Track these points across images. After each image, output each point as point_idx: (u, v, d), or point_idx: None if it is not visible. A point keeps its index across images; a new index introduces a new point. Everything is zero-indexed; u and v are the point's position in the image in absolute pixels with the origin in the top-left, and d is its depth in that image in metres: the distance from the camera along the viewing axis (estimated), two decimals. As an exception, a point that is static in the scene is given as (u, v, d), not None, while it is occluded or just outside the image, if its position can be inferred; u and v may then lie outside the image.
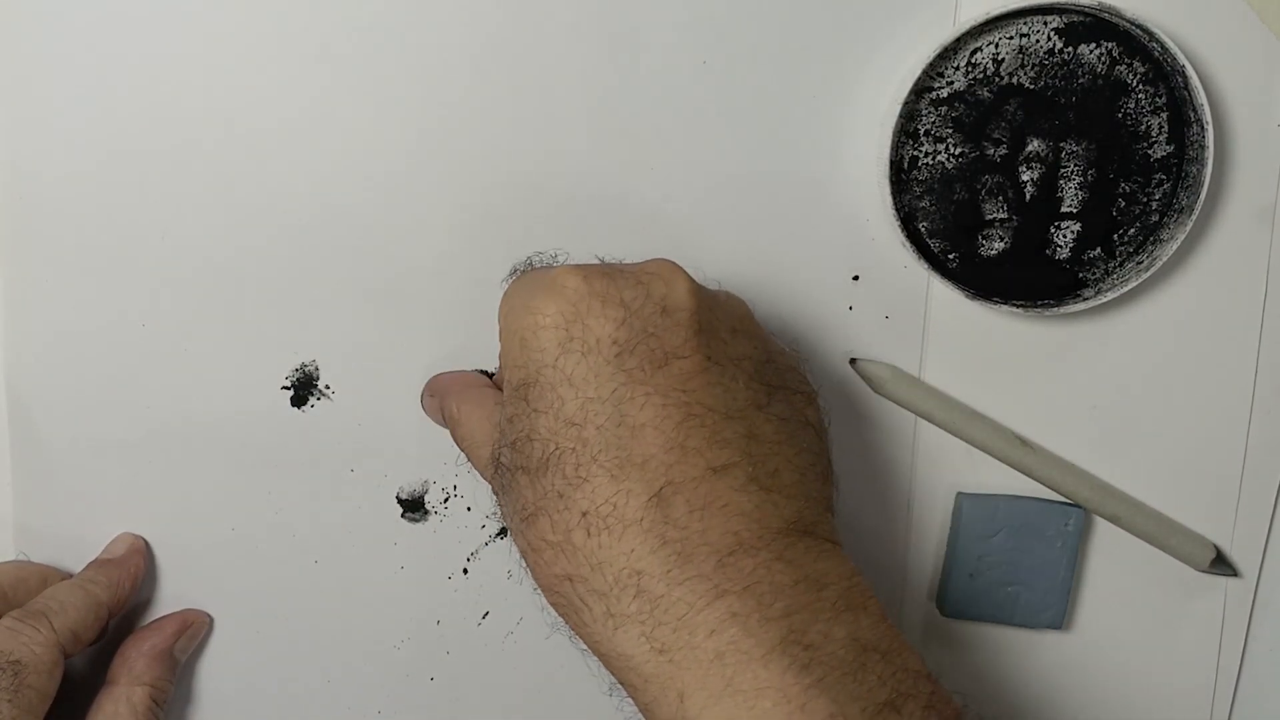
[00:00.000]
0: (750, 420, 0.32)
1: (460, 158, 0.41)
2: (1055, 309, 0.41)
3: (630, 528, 0.30)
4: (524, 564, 0.33)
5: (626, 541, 0.30)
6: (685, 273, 0.34)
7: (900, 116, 0.39)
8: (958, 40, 0.38)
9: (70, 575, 0.42)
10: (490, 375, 0.42)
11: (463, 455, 0.38)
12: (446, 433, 0.42)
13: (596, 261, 0.40)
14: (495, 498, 0.35)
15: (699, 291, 0.34)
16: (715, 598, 0.30)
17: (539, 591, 0.33)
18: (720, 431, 0.32)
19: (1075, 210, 0.40)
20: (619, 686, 0.32)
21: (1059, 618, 0.44)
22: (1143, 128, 0.40)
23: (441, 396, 0.40)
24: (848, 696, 0.29)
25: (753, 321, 0.36)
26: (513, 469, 0.33)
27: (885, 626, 0.31)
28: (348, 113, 0.40)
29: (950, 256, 0.41)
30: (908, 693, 0.30)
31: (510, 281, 0.38)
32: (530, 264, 0.40)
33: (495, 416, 0.36)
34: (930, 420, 0.43)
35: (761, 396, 0.33)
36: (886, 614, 0.32)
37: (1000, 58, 0.39)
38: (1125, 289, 0.40)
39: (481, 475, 0.37)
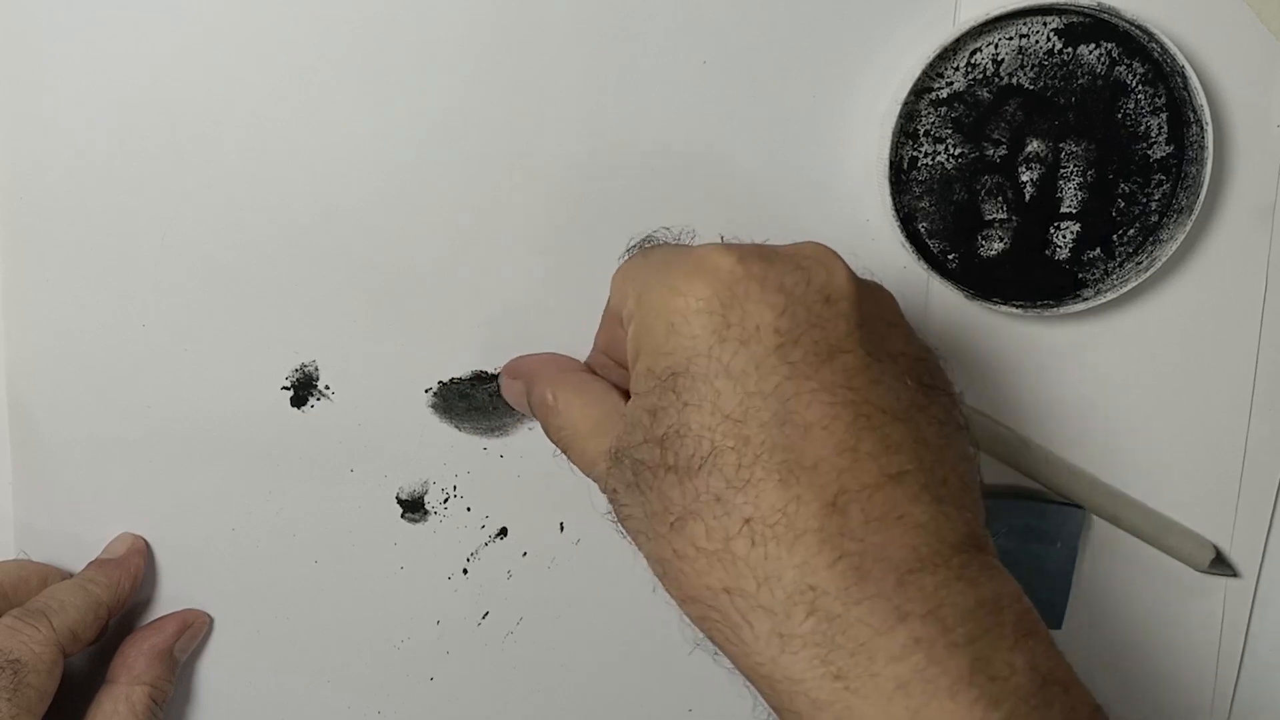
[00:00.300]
0: (916, 423, 0.30)
1: (460, 157, 0.41)
2: (1055, 309, 0.41)
3: (803, 538, 0.28)
4: (659, 573, 0.30)
5: (799, 553, 0.27)
6: (843, 259, 0.31)
7: (900, 117, 0.39)
8: (958, 40, 0.39)
9: (70, 574, 0.42)
10: (496, 377, 0.42)
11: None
12: (447, 432, 0.42)
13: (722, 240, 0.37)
14: (611, 498, 0.32)
15: (856, 279, 0.31)
16: (898, 620, 0.27)
17: (676, 604, 0.30)
18: (891, 435, 0.29)
19: (1075, 210, 0.40)
20: (770, 712, 0.29)
21: (1059, 618, 0.44)
22: (1142, 128, 0.40)
23: (529, 381, 0.37)
24: None
25: (903, 315, 0.33)
26: (658, 468, 0.29)
27: (1058, 654, 0.29)
28: (347, 113, 0.40)
29: (950, 257, 0.41)
30: None
31: (630, 258, 0.34)
32: (652, 240, 0.37)
33: (608, 405, 0.33)
34: (930, 420, 0.43)
35: (921, 397, 0.31)
36: (1053, 638, 0.29)
37: (1000, 58, 0.39)
38: (1125, 289, 0.40)
39: (584, 471, 0.34)
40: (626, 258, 0.36)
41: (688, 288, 0.30)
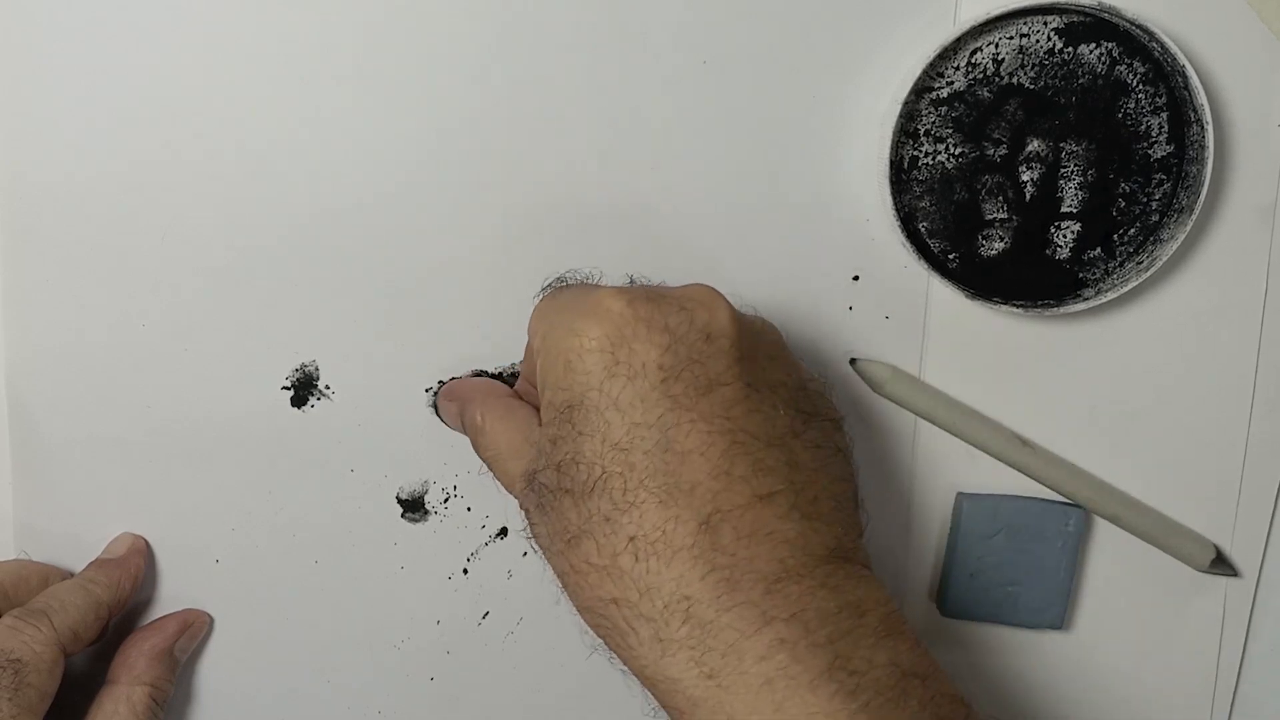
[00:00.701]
0: (790, 448, 0.33)
1: (460, 158, 0.41)
2: (1055, 309, 0.41)
3: (679, 554, 0.31)
4: (561, 585, 0.33)
5: (675, 567, 0.31)
6: (726, 300, 0.34)
7: (900, 116, 0.39)
8: (958, 40, 0.38)
9: (71, 574, 0.42)
10: (498, 376, 0.42)
11: (482, 465, 0.38)
12: (447, 433, 0.42)
13: (629, 281, 0.41)
14: (524, 515, 0.35)
15: (739, 318, 0.34)
16: (764, 624, 0.30)
17: (576, 612, 0.33)
18: (764, 459, 0.32)
19: (1075, 210, 0.40)
20: (660, 710, 0.32)
21: (1059, 618, 0.44)
22: (1143, 128, 0.40)
23: (462, 403, 0.40)
24: None
25: (786, 348, 0.36)
26: (556, 490, 0.33)
27: (921, 651, 0.32)
28: (347, 113, 0.40)
29: (950, 256, 0.41)
30: (947, 716, 0.31)
31: (543, 297, 0.38)
32: (564, 280, 0.40)
33: (526, 431, 0.36)
34: (930, 420, 0.43)
35: (798, 424, 0.34)
36: (920, 639, 0.33)
37: (1000, 58, 0.39)
38: (1125, 289, 0.40)
39: (507, 489, 0.37)
40: (540, 297, 0.39)
41: (583, 328, 0.33)
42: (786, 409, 0.34)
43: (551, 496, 0.33)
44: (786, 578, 0.31)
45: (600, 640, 0.33)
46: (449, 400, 0.41)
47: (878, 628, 0.31)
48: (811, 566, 0.31)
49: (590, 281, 0.40)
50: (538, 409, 0.36)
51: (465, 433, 0.39)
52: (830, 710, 0.29)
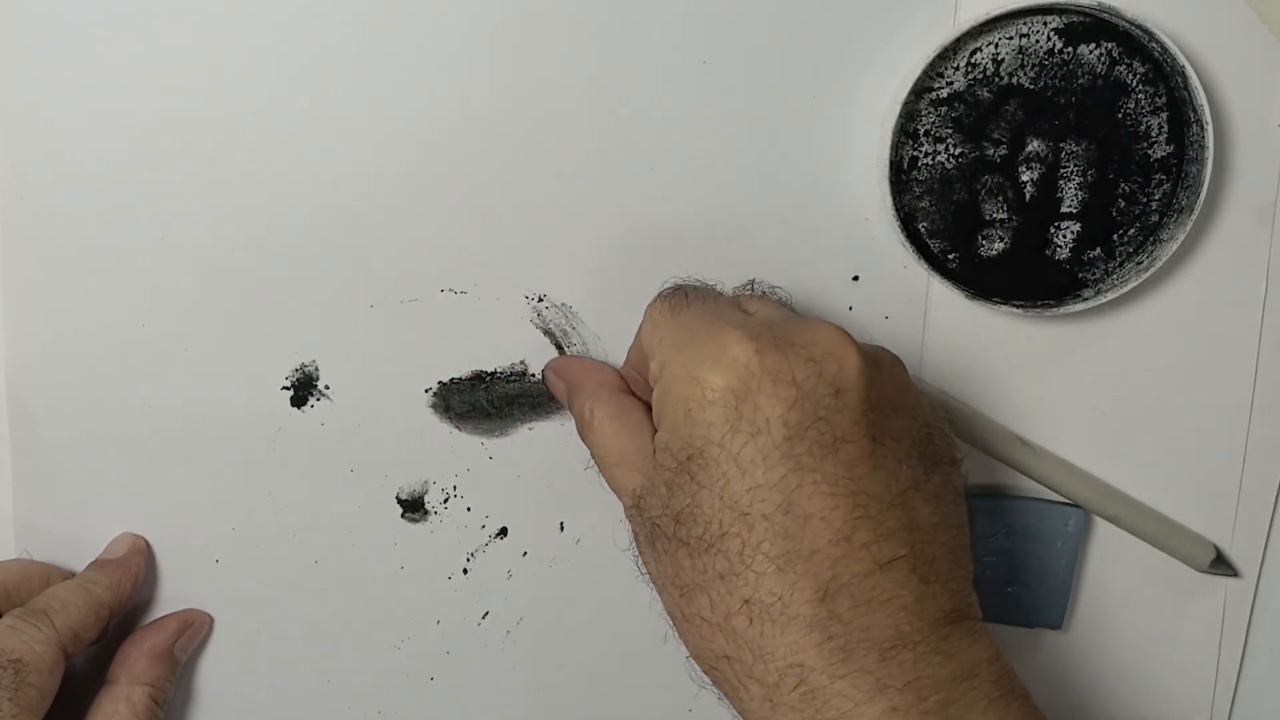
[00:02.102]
0: (910, 505, 0.32)
1: (460, 158, 0.41)
2: (1055, 309, 0.41)
3: (795, 621, 0.30)
4: (670, 624, 0.34)
5: (791, 634, 0.30)
6: (856, 345, 0.33)
7: (900, 116, 0.39)
8: (958, 40, 0.38)
9: (73, 574, 0.42)
10: (492, 375, 0.42)
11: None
12: (447, 433, 0.42)
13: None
14: (631, 535, 0.35)
15: (868, 368, 0.33)
16: (877, 692, 0.30)
17: (690, 659, 0.33)
18: (885, 521, 0.31)
19: (1075, 210, 0.40)
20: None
21: (1059, 618, 0.44)
22: (1143, 128, 0.40)
23: (572, 389, 0.39)
24: None
25: (912, 389, 0.35)
26: (672, 539, 0.32)
27: (1029, 709, 0.32)
28: (346, 113, 0.40)
29: (950, 256, 0.41)
30: None
31: (663, 309, 0.36)
32: (682, 290, 0.38)
33: (639, 440, 0.35)
34: (930, 420, 0.43)
35: (921, 474, 0.33)
36: (1028, 692, 0.33)
37: (1000, 58, 0.39)
38: (1125, 289, 0.40)
39: (612, 491, 0.36)
40: (659, 303, 0.37)
41: (705, 378, 0.32)
42: (910, 461, 0.33)
43: (667, 543, 0.33)
44: (902, 645, 0.31)
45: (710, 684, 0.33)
46: (557, 377, 0.41)
47: (990, 690, 0.31)
48: (927, 631, 0.31)
49: (712, 291, 0.38)
50: (648, 407, 0.36)
51: (571, 413, 0.39)
52: None
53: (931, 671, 0.30)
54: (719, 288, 0.40)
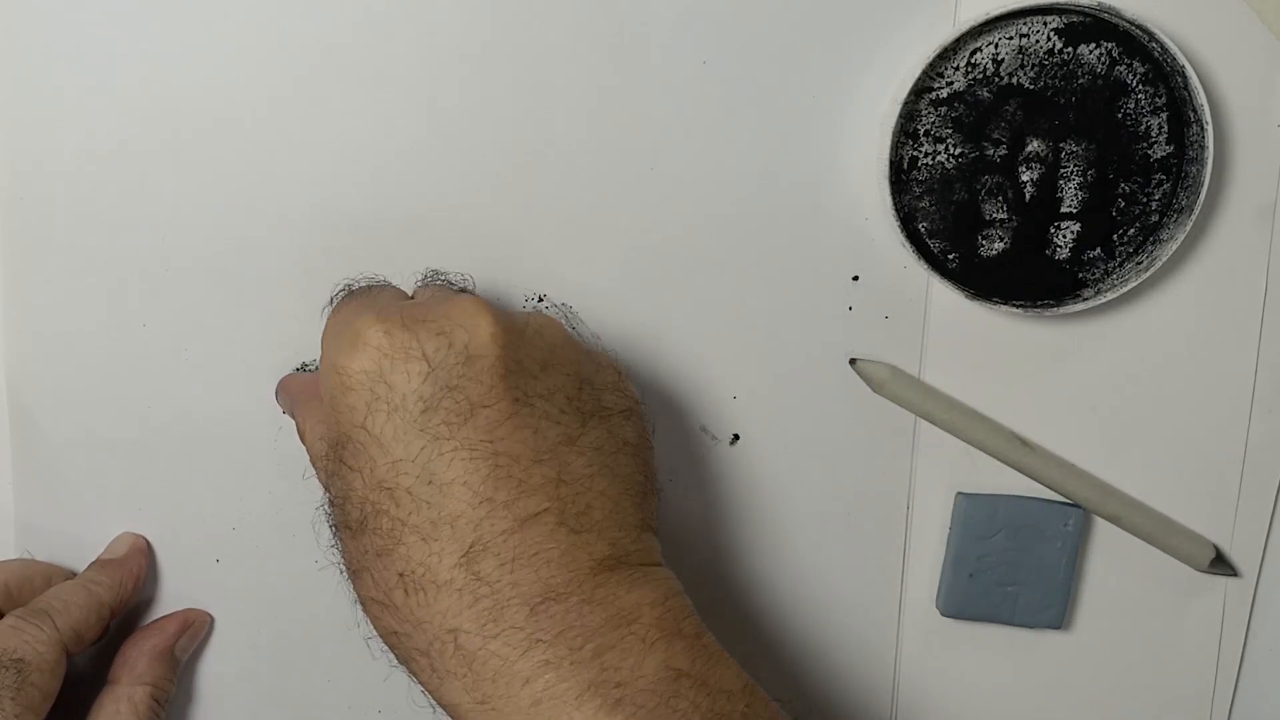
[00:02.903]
0: (560, 459, 0.33)
1: (460, 158, 0.41)
2: (1055, 309, 0.41)
3: (444, 588, 0.31)
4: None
5: (441, 602, 0.31)
6: (490, 312, 0.33)
7: (900, 116, 0.39)
8: (958, 40, 0.38)
9: (74, 574, 0.42)
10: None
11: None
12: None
13: (424, 279, 0.39)
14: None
15: (503, 333, 0.33)
16: (529, 648, 0.31)
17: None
18: (529, 479, 0.32)
19: (1075, 210, 0.40)
20: None
21: (1059, 618, 0.44)
22: (1143, 128, 0.40)
23: (291, 402, 0.40)
24: None
25: (566, 347, 0.35)
26: (338, 526, 0.33)
27: (699, 648, 0.32)
28: (347, 113, 0.40)
29: (950, 257, 0.41)
30: (721, 712, 0.31)
31: (330, 311, 0.37)
32: (349, 289, 0.38)
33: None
34: (930, 420, 0.43)
35: (574, 428, 0.33)
36: (703, 630, 0.33)
37: (1000, 58, 0.39)
38: (1125, 289, 0.40)
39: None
40: (330, 308, 0.37)
41: (343, 366, 0.33)
42: (560, 415, 0.33)
43: (334, 530, 0.34)
44: (552, 598, 0.31)
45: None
46: (283, 394, 0.41)
47: (648, 633, 0.31)
48: (579, 582, 0.31)
49: (377, 287, 0.39)
50: None
51: None
52: None
53: (583, 620, 0.31)
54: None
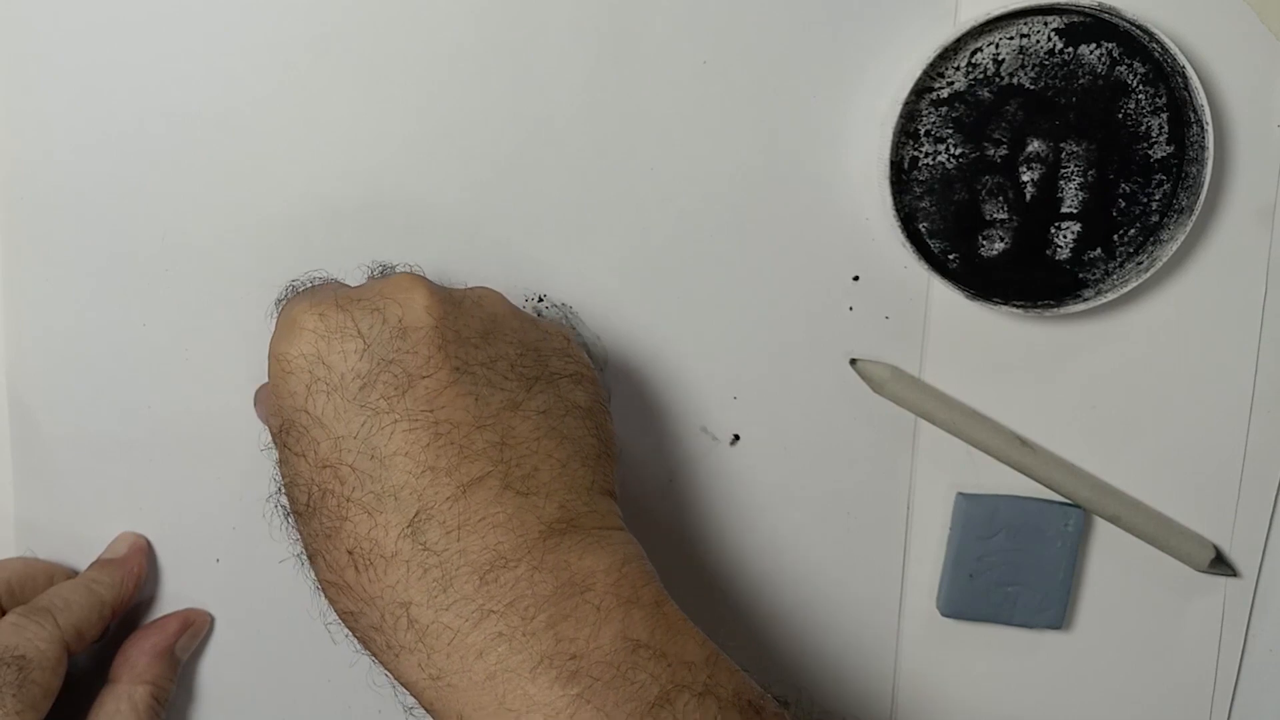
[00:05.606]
0: (504, 423, 0.32)
1: (459, 157, 0.41)
2: (1055, 309, 0.41)
3: (391, 561, 0.31)
4: None
5: (391, 575, 0.31)
6: (425, 285, 0.33)
7: (900, 117, 0.39)
8: (958, 40, 0.38)
9: (75, 573, 0.42)
10: None
11: None
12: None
13: (369, 272, 0.39)
14: None
15: (438, 305, 0.33)
16: (481, 619, 0.30)
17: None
18: (471, 444, 0.31)
19: (1075, 210, 0.40)
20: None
21: (1059, 618, 0.44)
22: (1143, 128, 0.40)
23: (267, 412, 0.39)
24: (615, 702, 0.29)
25: (507, 316, 0.35)
26: (290, 513, 0.33)
27: (659, 617, 0.31)
28: (347, 112, 0.40)
29: (950, 257, 0.41)
30: (682, 683, 0.30)
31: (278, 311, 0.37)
32: (293, 288, 0.38)
33: None
34: (930, 420, 0.43)
35: (519, 393, 0.33)
36: (664, 598, 0.32)
37: (1000, 58, 0.39)
38: (1125, 289, 0.40)
39: None
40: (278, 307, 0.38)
41: (282, 351, 0.33)
42: (504, 381, 0.33)
43: (288, 516, 0.34)
44: (501, 565, 0.30)
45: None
46: (259, 405, 0.41)
47: (604, 601, 0.30)
48: (529, 548, 0.31)
49: (322, 284, 0.38)
50: None
51: None
52: (549, 700, 0.29)
53: (535, 589, 0.30)
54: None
